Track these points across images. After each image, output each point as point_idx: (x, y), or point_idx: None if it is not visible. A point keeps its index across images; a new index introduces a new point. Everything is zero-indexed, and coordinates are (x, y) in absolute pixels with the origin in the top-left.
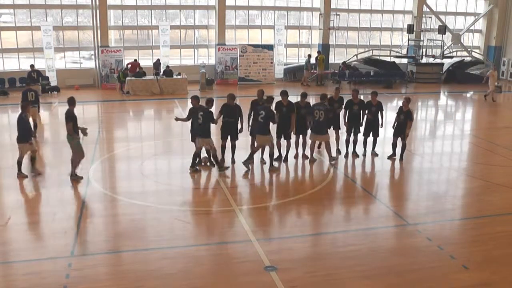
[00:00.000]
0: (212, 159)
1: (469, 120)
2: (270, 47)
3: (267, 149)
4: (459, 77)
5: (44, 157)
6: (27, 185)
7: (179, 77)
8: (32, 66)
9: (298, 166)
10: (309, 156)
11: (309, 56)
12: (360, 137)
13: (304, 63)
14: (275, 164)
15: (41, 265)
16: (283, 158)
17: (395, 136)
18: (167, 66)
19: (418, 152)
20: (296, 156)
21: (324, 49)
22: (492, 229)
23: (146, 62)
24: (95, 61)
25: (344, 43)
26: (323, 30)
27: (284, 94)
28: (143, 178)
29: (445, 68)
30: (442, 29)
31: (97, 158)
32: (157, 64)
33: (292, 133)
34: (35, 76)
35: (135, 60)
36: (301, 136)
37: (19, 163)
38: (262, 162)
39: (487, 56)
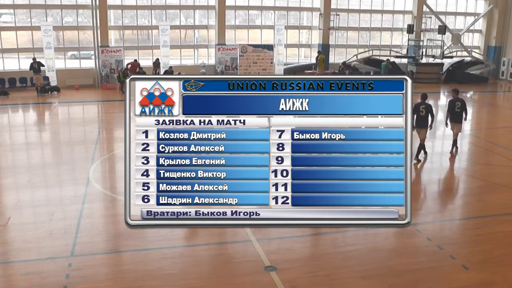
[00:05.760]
0: None
1: (469, 120)
2: (270, 47)
3: None
4: (459, 77)
5: (44, 157)
6: (27, 185)
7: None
8: (34, 58)
9: None
10: None
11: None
12: None
13: (305, 63)
14: None
15: (41, 265)
16: None
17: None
18: (170, 67)
19: None
20: None
21: (324, 49)
22: (492, 229)
23: (146, 62)
24: (95, 61)
25: (344, 43)
26: (323, 30)
27: None
28: None
29: (445, 68)
30: (442, 29)
31: (97, 158)
32: (156, 63)
33: None
34: (36, 67)
35: (135, 60)
36: None
37: None
38: None
39: (487, 56)
